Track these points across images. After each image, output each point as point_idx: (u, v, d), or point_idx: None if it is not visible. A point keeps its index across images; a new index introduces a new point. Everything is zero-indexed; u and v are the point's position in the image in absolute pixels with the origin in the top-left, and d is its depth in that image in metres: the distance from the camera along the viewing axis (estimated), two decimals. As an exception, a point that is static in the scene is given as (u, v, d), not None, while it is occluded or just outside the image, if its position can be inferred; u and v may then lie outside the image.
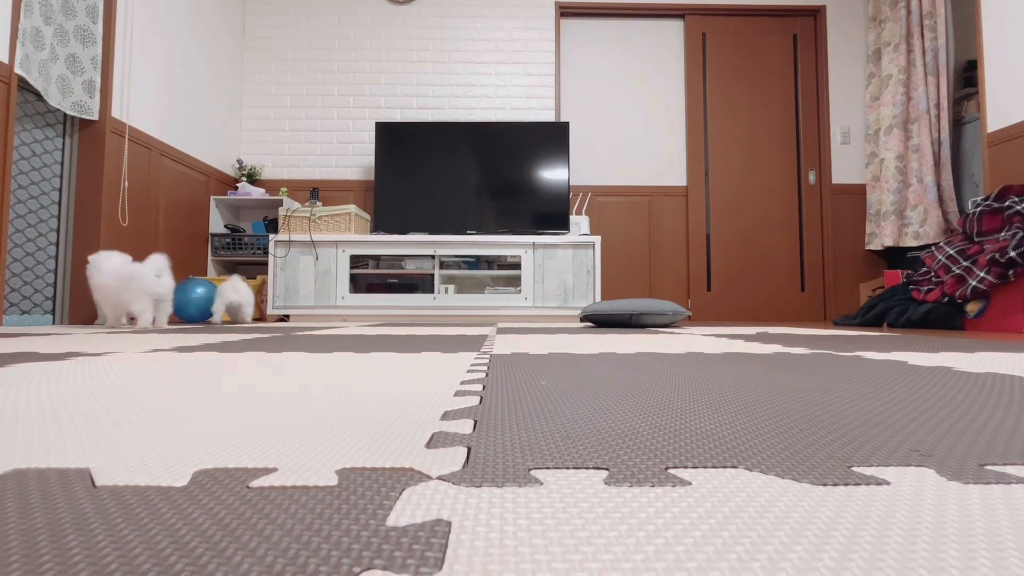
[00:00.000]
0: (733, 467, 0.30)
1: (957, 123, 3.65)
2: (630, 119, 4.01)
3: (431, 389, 0.59)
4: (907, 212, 3.58)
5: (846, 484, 0.27)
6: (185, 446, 0.35)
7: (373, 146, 3.83)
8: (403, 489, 0.26)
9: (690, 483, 0.28)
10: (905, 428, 0.40)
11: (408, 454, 0.33)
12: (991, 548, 0.20)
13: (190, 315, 2.78)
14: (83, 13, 2.62)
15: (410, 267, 3.46)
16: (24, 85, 2.40)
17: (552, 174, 3.66)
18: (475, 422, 0.42)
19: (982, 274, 2.28)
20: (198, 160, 3.41)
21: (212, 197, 3.55)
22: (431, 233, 3.54)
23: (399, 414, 0.45)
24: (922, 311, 2.50)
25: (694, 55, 4.02)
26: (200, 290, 2.79)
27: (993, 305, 2.29)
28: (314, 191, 3.67)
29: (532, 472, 0.29)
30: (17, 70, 2.24)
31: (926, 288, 2.59)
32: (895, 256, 3.76)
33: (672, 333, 1.85)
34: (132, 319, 2.31)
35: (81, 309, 2.64)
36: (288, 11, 3.96)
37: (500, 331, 1.94)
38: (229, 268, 3.71)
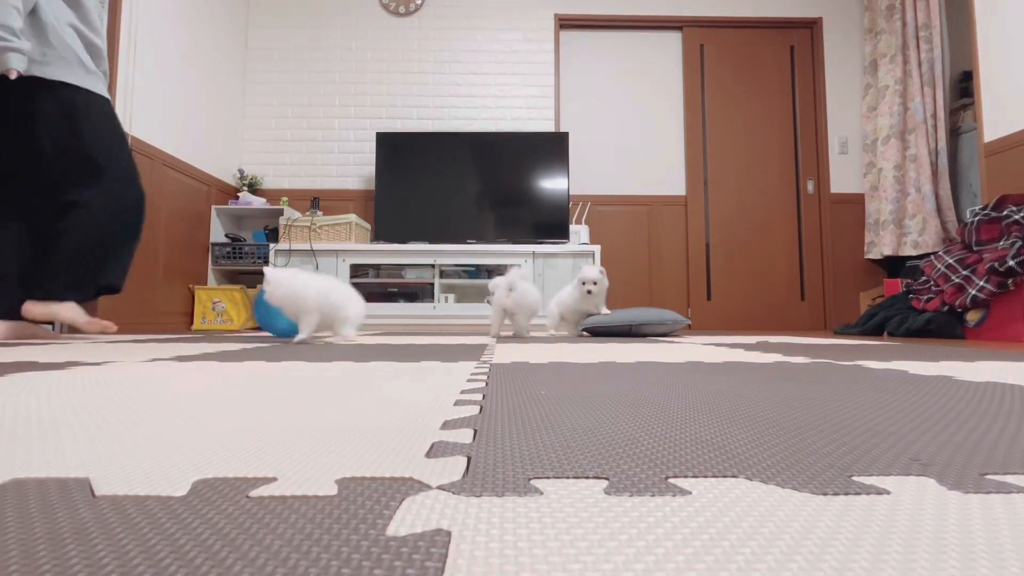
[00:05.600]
0: (733, 476, 0.30)
1: (954, 133, 3.67)
2: (629, 129, 4.03)
3: (431, 398, 0.59)
4: (906, 221, 3.59)
5: (846, 494, 0.27)
6: (184, 456, 0.35)
7: (374, 156, 3.85)
8: (403, 499, 0.26)
9: (690, 492, 0.28)
10: (906, 437, 0.40)
11: (408, 463, 0.33)
12: (991, 558, 0.20)
13: (281, 329, 1.94)
14: (87, 25, 2.64)
15: (410, 276, 3.46)
16: (27, 96, 2.41)
17: (552, 184, 3.67)
18: (475, 431, 0.42)
19: (981, 283, 2.28)
20: (200, 170, 3.43)
21: (213, 206, 3.56)
22: (431, 242, 3.54)
23: (398, 423, 0.45)
24: (922, 320, 2.50)
25: (692, 66, 4.05)
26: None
27: (993, 314, 2.29)
28: (315, 200, 3.68)
29: (532, 482, 0.29)
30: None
31: (926, 297, 2.59)
32: (894, 265, 3.77)
33: (672, 342, 1.85)
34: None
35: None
36: (290, 23, 4.00)
37: (500, 340, 1.94)
38: (230, 277, 3.71)
